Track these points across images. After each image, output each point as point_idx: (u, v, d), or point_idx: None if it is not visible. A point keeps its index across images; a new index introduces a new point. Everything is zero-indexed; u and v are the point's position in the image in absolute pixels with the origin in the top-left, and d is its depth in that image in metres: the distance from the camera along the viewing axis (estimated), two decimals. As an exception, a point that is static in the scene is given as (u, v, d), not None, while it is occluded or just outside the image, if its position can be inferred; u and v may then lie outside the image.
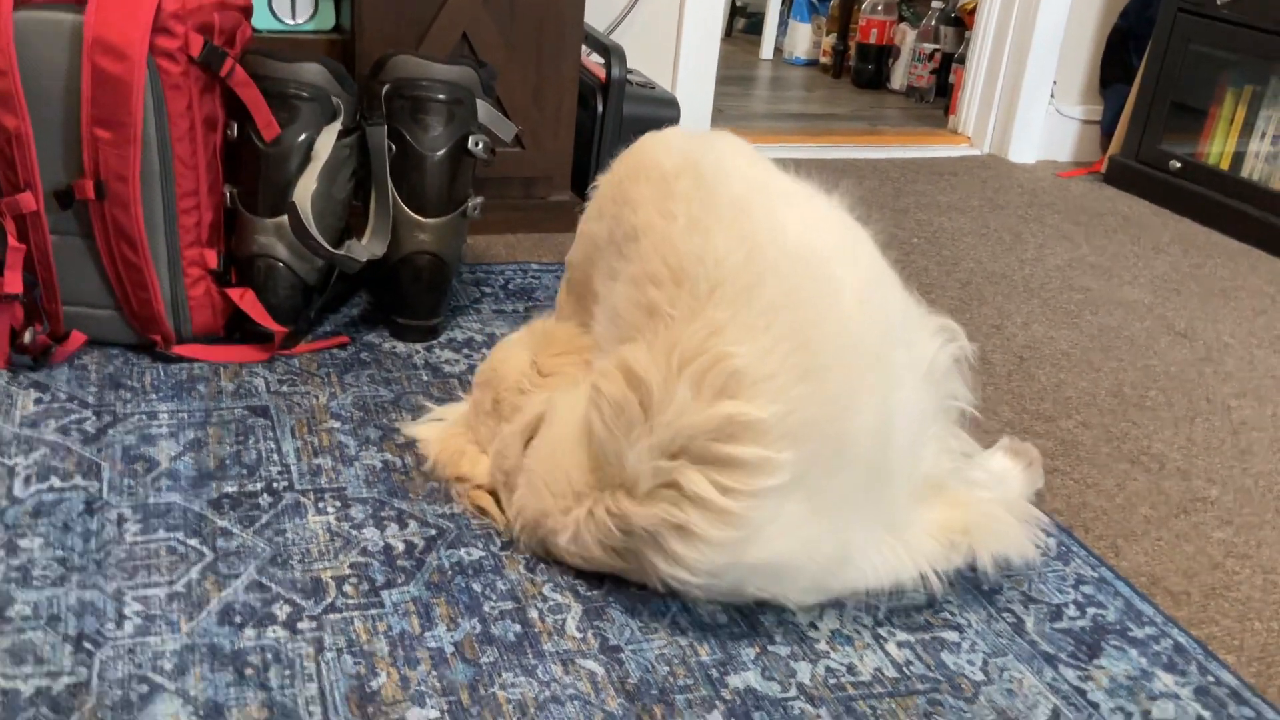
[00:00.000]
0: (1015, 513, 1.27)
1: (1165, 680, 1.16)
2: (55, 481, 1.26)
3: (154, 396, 1.45)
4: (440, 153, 1.63)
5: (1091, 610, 1.26)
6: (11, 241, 1.46)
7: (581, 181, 2.14)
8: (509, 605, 1.15)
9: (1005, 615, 1.23)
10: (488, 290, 1.90)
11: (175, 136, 1.47)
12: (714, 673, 1.09)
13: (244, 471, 1.32)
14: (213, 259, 1.56)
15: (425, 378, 1.59)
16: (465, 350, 1.68)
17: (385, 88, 1.63)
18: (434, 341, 1.69)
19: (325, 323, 1.71)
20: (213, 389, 1.49)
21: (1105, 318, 2.06)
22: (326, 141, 1.57)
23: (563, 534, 1.17)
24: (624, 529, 1.11)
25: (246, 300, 1.57)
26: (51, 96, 1.42)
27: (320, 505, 1.27)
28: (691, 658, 1.11)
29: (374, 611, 1.12)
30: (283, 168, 1.55)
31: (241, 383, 1.51)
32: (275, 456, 1.35)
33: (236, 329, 1.61)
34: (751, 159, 1.22)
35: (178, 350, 1.54)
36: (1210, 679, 1.17)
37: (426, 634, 1.10)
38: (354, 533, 1.23)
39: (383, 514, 1.27)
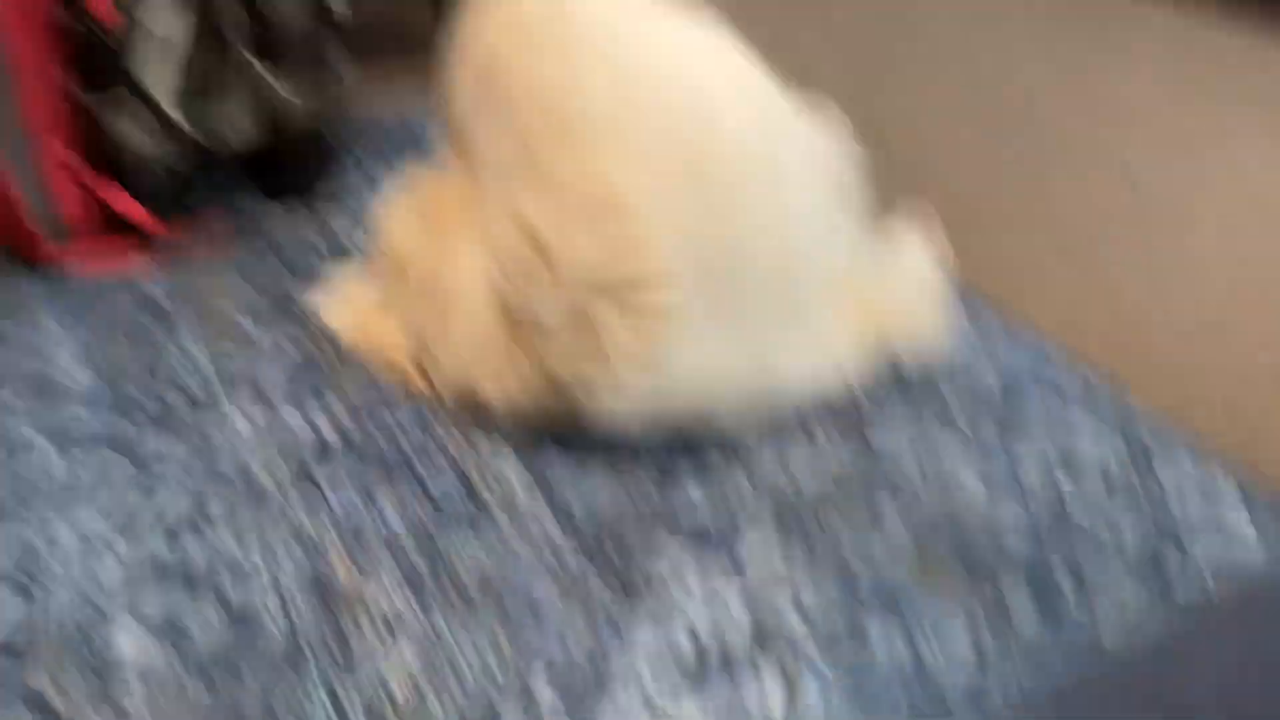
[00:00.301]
0: (927, 294, 1.30)
1: (1085, 421, 1.22)
2: (-45, 421, 1.22)
3: (40, 311, 1.39)
4: (302, 18, 1.54)
5: (1005, 369, 1.30)
6: None
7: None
8: (450, 474, 1.15)
9: (927, 398, 1.26)
10: (373, 145, 1.82)
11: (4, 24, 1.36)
12: (655, 496, 1.12)
13: (154, 380, 1.28)
14: (66, 153, 1.47)
15: (317, 242, 1.54)
16: (353, 209, 1.62)
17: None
18: (319, 205, 1.63)
19: (207, 205, 1.64)
20: (102, 296, 1.43)
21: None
22: (170, 19, 1.46)
23: (492, 393, 1.17)
24: (547, 377, 1.11)
25: (115, 198, 1.49)
26: None
27: (241, 405, 1.25)
28: (633, 487, 1.13)
29: (314, 500, 1.12)
30: (130, 51, 1.45)
31: (132, 285, 1.45)
32: (183, 360, 1.32)
33: (112, 229, 1.54)
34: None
35: (51, 257, 1.47)
36: (1125, 415, 1.23)
37: (374, 516, 1.10)
38: (282, 427, 1.21)
39: (308, 403, 1.25)
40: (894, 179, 1.29)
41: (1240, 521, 1.10)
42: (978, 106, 1.76)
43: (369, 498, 1.12)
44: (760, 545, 1.06)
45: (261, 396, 1.25)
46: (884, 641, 0.97)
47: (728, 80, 1.10)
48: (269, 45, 1.53)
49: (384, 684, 0.92)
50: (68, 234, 1.49)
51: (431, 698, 0.91)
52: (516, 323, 1.11)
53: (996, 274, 1.50)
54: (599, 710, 0.90)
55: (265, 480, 1.14)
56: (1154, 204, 1.49)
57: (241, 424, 1.21)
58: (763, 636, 0.97)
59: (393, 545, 1.06)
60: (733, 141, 1.08)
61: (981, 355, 1.33)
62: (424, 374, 1.27)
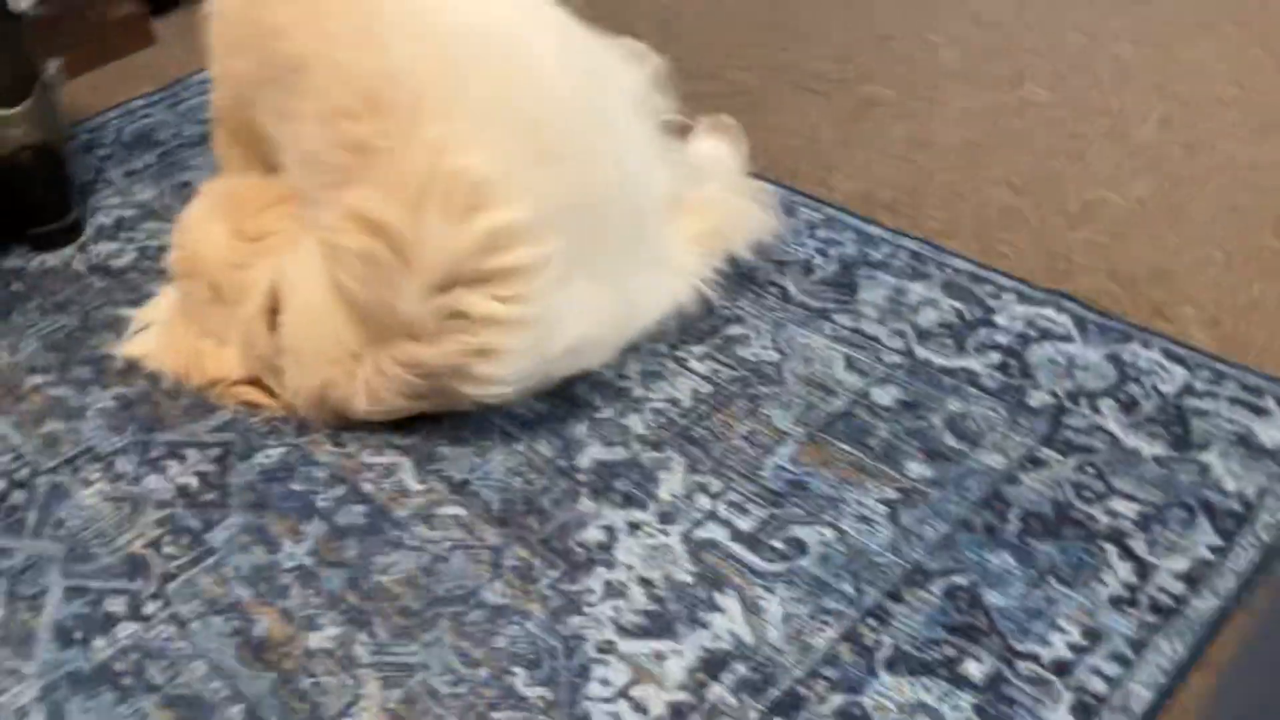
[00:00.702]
0: (745, 193, 1.33)
1: (916, 289, 1.30)
2: None
3: None
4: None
5: (833, 252, 1.36)
6: None
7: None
8: (340, 490, 1.11)
9: (770, 290, 1.31)
10: (104, 151, 1.67)
11: None
12: (562, 463, 1.12)
13: (-25, 478, 1.16)
14: None
15: (99, 284, 1.41)
16: (124, 234, 1.49)
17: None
18: (82, 238, 1.49)
19: (-51, 267, 1.47)
20: None
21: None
22: None
23: (355, 398, 1.13)
24: (422, 374, 1.08)
25: None
26: None
27: (81, 476, 1.15)
28: (536, 459, 1.13)
29: (211, 560, 1.06)
30: None
31: (-101, 378, 1.29)
32: (7, 450, 1.20)
33: None
34: None
35: None
36: (950, 271, 1.32)
37: (278, 557, 1.05)
38: (137, 489, 1.13)
39: (153, 455, 1.17)
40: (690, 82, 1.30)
41: (1078, 347, 1.22)
42: None
43: (264, 538, 1.07)
44: (679, 484, 1.09)
45: (103, 465, 1.16)
46: (814, 535, 1.02)
47: (544, 38, 1.07)
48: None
49: (366, 730, 0.91)
50: None
51: (419, 728, 0.90)
52: (374, 326, 1.07)
53: (794, 153, 1.55)
54: (588, 690, 0.92)
55: (152, 558, 1.06)
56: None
57: (97, 502, 1.12)
58: (710, 571, 1.00)
59: (308, 581, 1.03)
60: (564, 99, 1.06)
61: (807, 240, 1.38)
62: (268, 393, 1.21)
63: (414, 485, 1.11)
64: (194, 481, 1.14)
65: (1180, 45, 1.72)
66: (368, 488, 1.12)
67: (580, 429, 1.16)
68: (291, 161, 1.12)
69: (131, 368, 1.27)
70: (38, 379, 1.28)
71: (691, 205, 1.27)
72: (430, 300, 1.02)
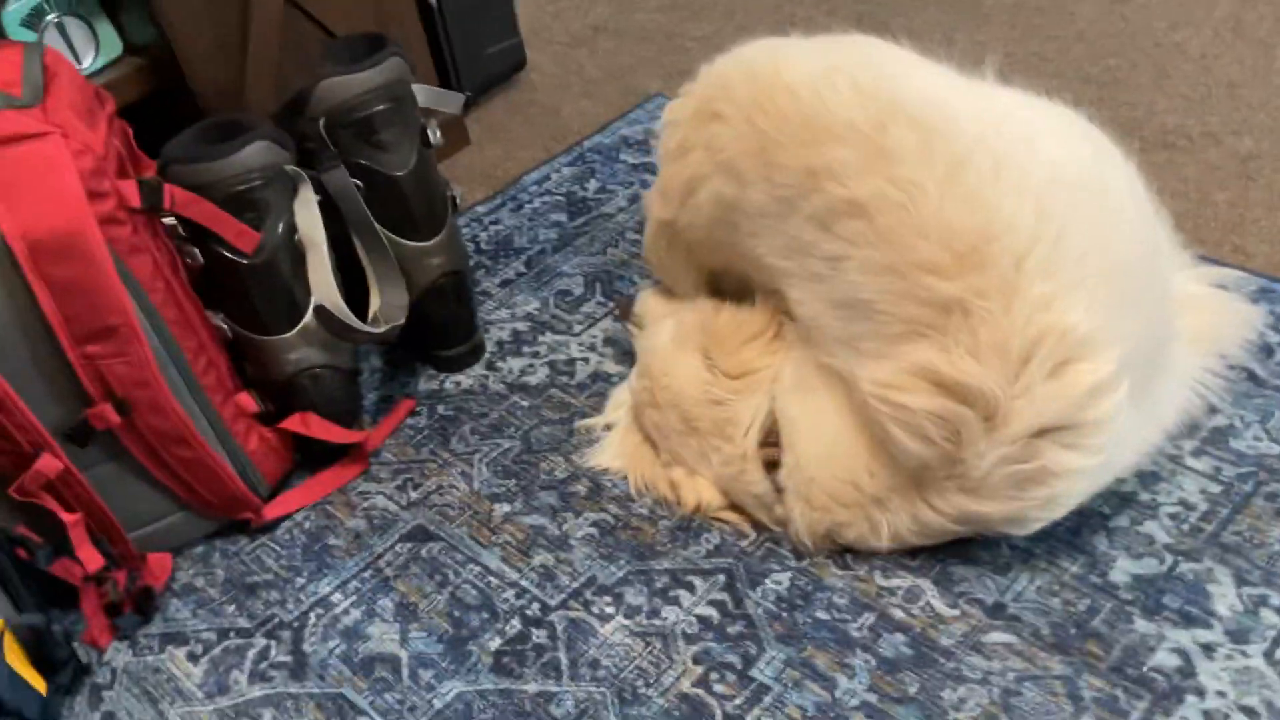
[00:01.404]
0: (1220, 288, 1.29)
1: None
2: (323, 743, 1.10)
3: (302, 578, 1.26)
4: (410, 165, 1.40)
5: (1287, 327, 1.32)
6: (62, 516, 1.18)
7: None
8: (870, 617, 1.10)
9: (1236, 373, 1.27)
10: (471, 260, 1.69)
11: (158, 303, 1.19)
12: (1095, 579, 1.10)
13: (489, 614, 1.18)
14: (250, 403, 1.32)
15: (525, 402, 1.43)
16: (525, 348, 1.51)
17: (322, 121, 1.35)
18: (498, 357, 1.52)
19: (386, 396, 1.50)
20: (348, 537, 1.30)
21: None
22: (310, 218, 1.31)
23: (870, 538, 1.11)
24: (970, 523, 1.06)
25: (313, 426, 1.35)
26: (8, 339, 1.11)
27: (594, 610, 1.16)
28: (1063, 575, 1.10)
29: (768, 699, 1.05)
30: (277, 272, 1.29)
31: (369, 513, 1.32)
32: (484, 578, 1.21)
33: (302, 456, 1.40)
34: (926, 68, 1.09)
35: (273, 514, 1.33)
36: None
37: (838, 694, 1.04)
38: (657, 623, 1.14)
39: (657, 584, 1.17)
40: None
41: None
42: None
43: (814, 673, 1.06)
44: (1233, 597, 1.05)
45: (613, 599, 1.17)
46: None
47: (1112, 164, 1.05)
48: (387, 204, 1.39)
49: None
50: (271, 484, 1.34)
51: None
52: (906, 470, 1.06)
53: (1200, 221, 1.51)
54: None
55: (703, 697, 1.06)
56: None
57: (620, 638, 1.13)
58: None
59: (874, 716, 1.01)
60: (1139, 233, 1.04)
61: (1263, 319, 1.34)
62: (747, 517, 1.21)
63: (946, 610, 1.10)
64: (712, 611, 1.14)
65: None
66: (898, 614, 1.10)
67: (1099, 540, 1.13)
68: (814, 302, 1.10)
69: (596, 492, 1.28)
70: (504, 506, 1.29)
71: (1187, 304, 1.23)
72: (1006, 457, 1.00)
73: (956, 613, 1.09)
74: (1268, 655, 1.00)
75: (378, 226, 1.38)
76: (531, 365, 1.49)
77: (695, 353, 1.22)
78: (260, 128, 1.28)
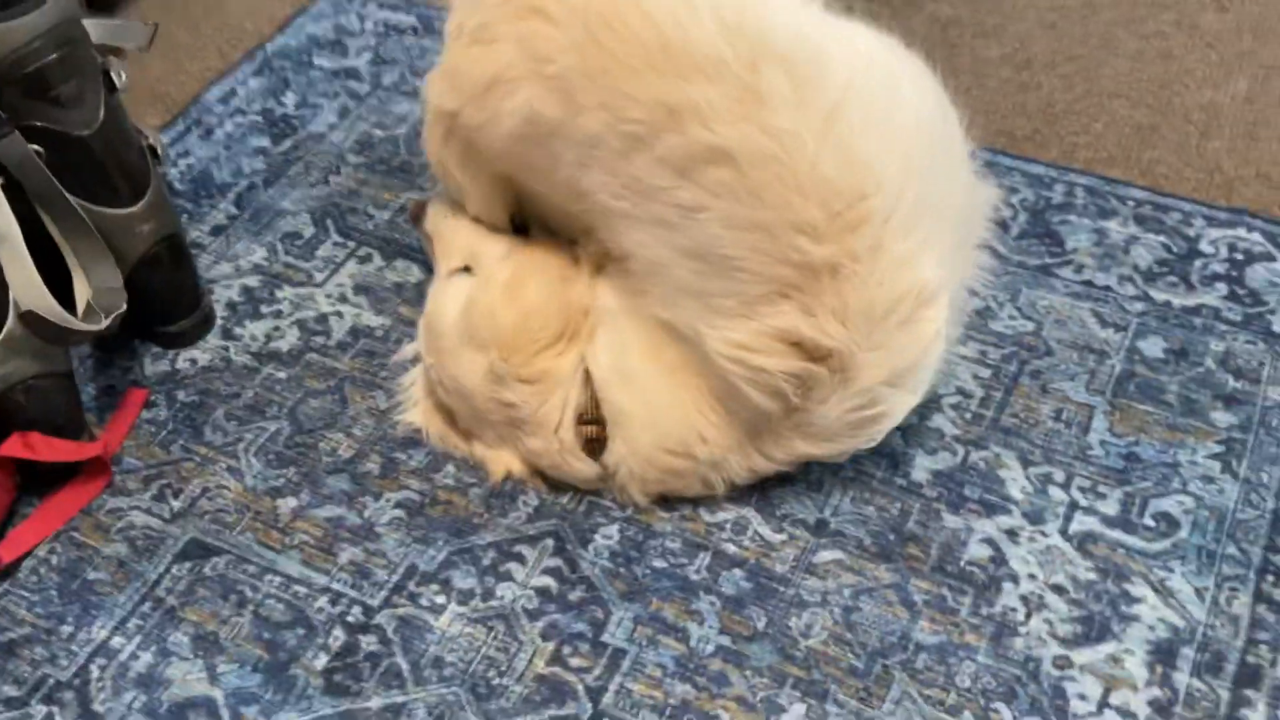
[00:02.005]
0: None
1: (1114, 228, 1.37)
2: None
3: (68, 625, 1.10)
4: (98, 120, 1.18)
5: (1014, 201, 1.41)
6: None
7: None
8: (705, 557, 1.11)
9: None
10: (179, 202, 1.48)
11: None
12: (900, 480, 1.16)
13: (305, 629, 1.08)
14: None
15: (282, 374, 1.29)
16: (261, 308, 1.36)
17: (-20, 83, 1.11)
18: (232, 329, 1.35)
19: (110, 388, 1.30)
20: (111, 567, 1.14)
21: None
22: (-4, 210, 1.08)
23: (708, 492, 1.13)
24: (798, 461, 1.08)
25: (38, 447, 1.15)
26: None
27: (423, 602, 1.09)
28: (872, 482, 1.16)
29: (625, 664, 1.04)
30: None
31: (128, 534, 1.16)
32: (288, 588, 1.11)
33: (24, 478, 1.20)
34: None
35: (10, 556, 1.14)
36: (1131, 203, 1.40)
37: (693, 644, 1.05)
38: (494, 604, 1.09)
39: (484, 561, 1.12)
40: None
41: None
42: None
43: (665, 627, 1.06)
44: (1023, 480, 1.15)
45: (440, 584, 1.10)
46: (1175, 505, 1.12)
47: (945, 106, 1.05)
48: (78, 169, 1.18)
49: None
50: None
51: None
52: (746, 426, 1.06)
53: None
54: (1073, 709, 0.99)
55: (552, 670, 1.04)
56: None
57: (458, 630, 1.07)
58: (1107, 563, 1.08)
59: (744, 662, 1.03)
60: (967, 174, 1.05)
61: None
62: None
63: (774, 536, 1.12)
64: (551, 582, 1.10)
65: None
66: (730, 549, 1.12)
67: (896, 441, 1.18)
68: (659, 248, 1.02)
69: (391, 468, 1.19)
70: (290, 501, 1.18)
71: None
72: (851, 406, 1.01)
73: (784, 537, 1.12)
74: (1063, 533, 1.11)
75: (70, 198, 1.16)
76: (277, 328, 1.34)
77: (481, 351, 1.12)
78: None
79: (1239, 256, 1.33)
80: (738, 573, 1.10)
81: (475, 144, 1.13)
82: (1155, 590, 1.06)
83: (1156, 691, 1.00)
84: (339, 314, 1.35)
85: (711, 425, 1.06)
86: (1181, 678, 1.00)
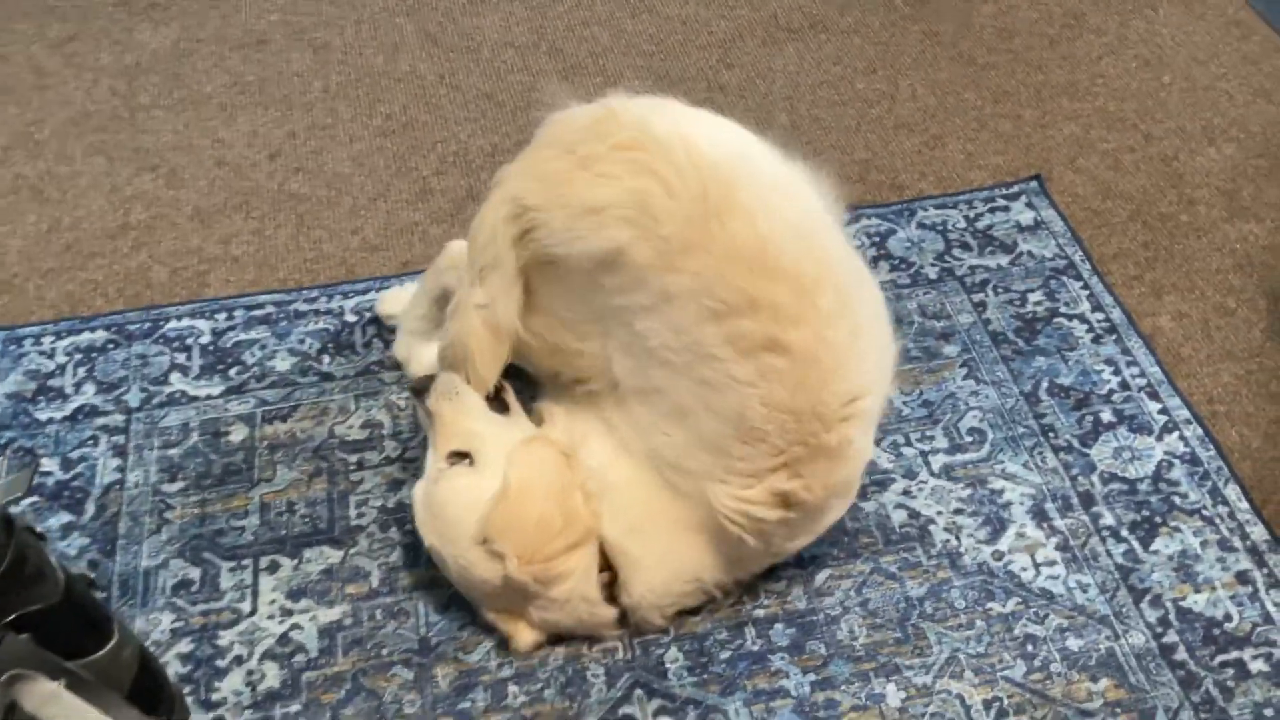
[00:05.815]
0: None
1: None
2: None
3: None
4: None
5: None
6: None
7: None
8: (748, 630, 1.36)
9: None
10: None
11: None
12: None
13: None
14: None
15: (295, 707, 1.30)
16: (211, 663, 1.33)
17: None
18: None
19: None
20: None
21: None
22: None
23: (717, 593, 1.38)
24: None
25: None
26: None
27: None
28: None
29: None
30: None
31: None
32: None
33: None
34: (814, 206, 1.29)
35: None
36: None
37: (792, 694, 1.31)
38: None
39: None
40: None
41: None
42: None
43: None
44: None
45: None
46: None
47: (823, 203, 1.30)
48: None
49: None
50: None
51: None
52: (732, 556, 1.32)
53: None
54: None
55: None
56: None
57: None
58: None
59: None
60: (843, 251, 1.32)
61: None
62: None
63: (778, 585, 1.40)
64: (667, 718, 1.30)
65: None
66: (759, 613, 1.38)
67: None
68: (691, 401, 1.24)
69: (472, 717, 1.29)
70: None
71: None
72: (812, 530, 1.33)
73: (784, 583, 1.41)
74: (934, 474, 1.52)
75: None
76: (250, 671, 1.33)
77: (495, 559, 1.25)
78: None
79: (877, 237, 1.83)
80: (779, 626, 1.38)
81: (537, 239, 1.24)
82: (1004, 478, 1.52)
83: (1055, 538, 1.46)
84: (297, 626, 1.36)
85: (710, 558, 1.32)
86: (1059, 522, 1.47)
